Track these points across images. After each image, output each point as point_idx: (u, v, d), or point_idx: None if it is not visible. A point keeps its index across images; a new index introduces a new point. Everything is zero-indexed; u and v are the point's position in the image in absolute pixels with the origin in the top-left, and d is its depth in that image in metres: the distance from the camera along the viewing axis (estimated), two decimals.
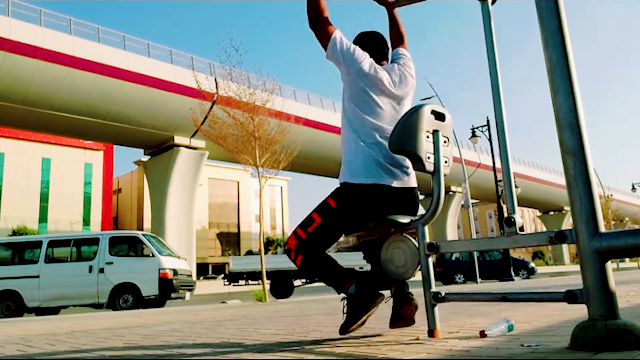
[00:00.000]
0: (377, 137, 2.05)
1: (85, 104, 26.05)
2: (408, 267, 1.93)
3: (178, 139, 30.67)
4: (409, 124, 1.89)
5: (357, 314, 1.95)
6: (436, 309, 1.88)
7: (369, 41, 2.28)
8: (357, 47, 2.15)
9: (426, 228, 1.92)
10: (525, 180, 50.58)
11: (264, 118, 10.44)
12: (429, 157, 1.90)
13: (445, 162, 1.97)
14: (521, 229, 1.66)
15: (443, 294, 1.82)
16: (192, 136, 30.73)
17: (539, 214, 68.96)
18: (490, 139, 19.40)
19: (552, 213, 64.90)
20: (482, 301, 1.90)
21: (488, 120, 19.50)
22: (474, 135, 20.30)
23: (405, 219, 1.98)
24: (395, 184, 2.03)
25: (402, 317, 2.07)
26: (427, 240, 1.89)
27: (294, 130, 12.53)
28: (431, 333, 1.87)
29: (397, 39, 2.42)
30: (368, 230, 2.09)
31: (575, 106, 1.44)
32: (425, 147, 1.89)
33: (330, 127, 34.41)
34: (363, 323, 2.01)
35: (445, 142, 1.99)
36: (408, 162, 2.09)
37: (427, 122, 1.92)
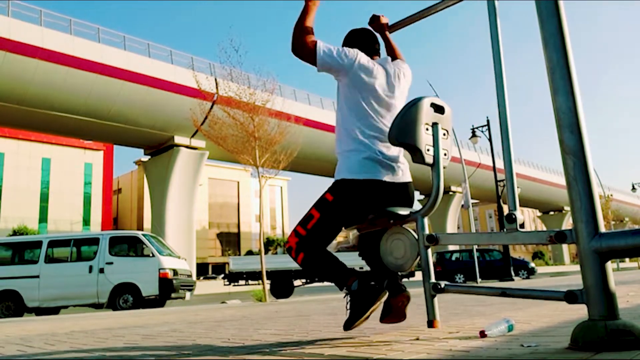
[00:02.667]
0: (371, 133, 2.08)
1: (85, 104, 26.04)
2: (407, 259, 1.94)
3: (178, 139, 30.66)
4: (408, 116, 1.89)
5: (360, 311, 1.96)
6: (435, 299, 1.88)
7: (360, 38, 2.31)
8: (346, 47, 2.16)
9: (426, 220, 1.93)
10: (525, 180, 50.55)
11: (264, 118, 10.43)
12: (428, 150, 1.91)
13: (445, 154, 1.97)
14: (521, 226, 1.66)
15: (442, 285, 1.83)
16: (192, 136, 30.72)
17: (539, 214, 68.95)
18: (490, 139, 19.40)
19: (552, 213, 64.88)
20: (482, 295, 1.90)
21: (488, 120, 19.51)
22: (474, 135, 20.29)
23: (404, 211, 1.99)
24: (389, 178, 2.07)
25: (392, 309, 2.05)
26: (427, 231, 1.89)
27: (294, 130, 12.52)
28: (431, 324, 1.86)
29: (395, 58, 2.43)
30: (368, 223, 2.09)
31: (575, 106, 1.44)
32: (424, 139, 1.90)
33: (331, 127, 34.33)
34: (367, 318, 2.01)
35: (444, 134, 1.99)
36: (402, 158, 2.15)
37: (426, 114, 1.92)
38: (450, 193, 46.96)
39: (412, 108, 1.90)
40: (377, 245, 2.06)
